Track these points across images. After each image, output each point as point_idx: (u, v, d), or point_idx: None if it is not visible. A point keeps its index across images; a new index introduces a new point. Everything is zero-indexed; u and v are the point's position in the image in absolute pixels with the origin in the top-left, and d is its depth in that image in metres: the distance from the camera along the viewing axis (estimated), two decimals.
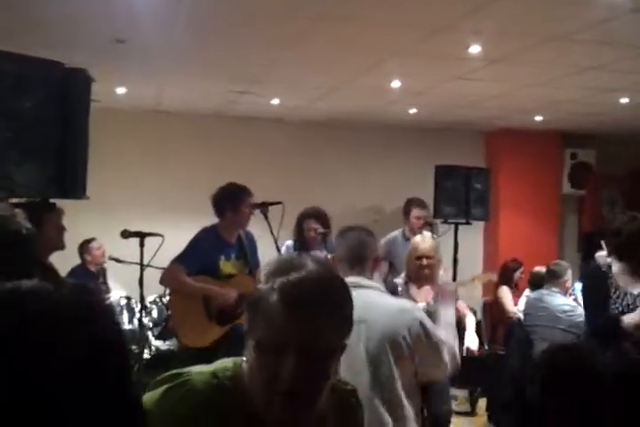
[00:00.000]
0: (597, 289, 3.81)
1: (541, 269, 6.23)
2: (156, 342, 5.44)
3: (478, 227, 7.82)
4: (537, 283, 6.11)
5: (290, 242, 5.11)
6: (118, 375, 0.93)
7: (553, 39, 4.39)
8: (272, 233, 4.48)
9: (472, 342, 4.57)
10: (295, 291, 1.30)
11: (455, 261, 6.40)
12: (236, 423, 1.36)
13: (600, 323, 3.76)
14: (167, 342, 5.46)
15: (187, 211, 6.61)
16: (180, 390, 1.38)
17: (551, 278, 5.65)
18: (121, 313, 5.54)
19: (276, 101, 6.84)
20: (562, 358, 1.22)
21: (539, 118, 7.44)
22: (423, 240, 4.16)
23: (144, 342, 5.32)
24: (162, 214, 7.05)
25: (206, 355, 1.54)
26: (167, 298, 5.47)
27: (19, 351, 0.84)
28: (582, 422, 1.14)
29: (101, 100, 5.58)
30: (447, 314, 3.66)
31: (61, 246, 3.48)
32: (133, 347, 5.14)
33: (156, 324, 5.58)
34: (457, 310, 4.51)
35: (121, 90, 6.40)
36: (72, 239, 4.03)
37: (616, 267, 3.64)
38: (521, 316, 5.89)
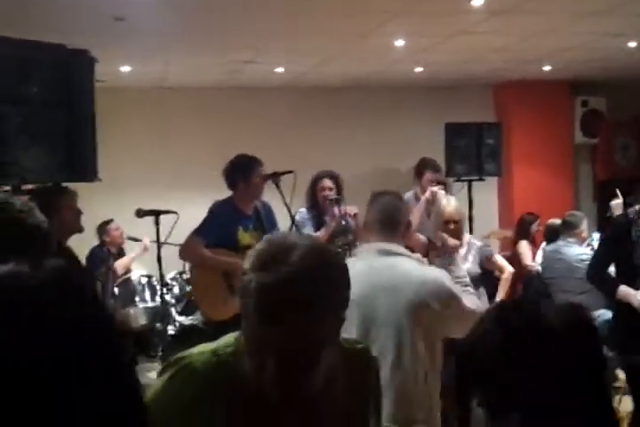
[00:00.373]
0: (610, 241, 3.83)
1: (555, 221, 6.21)
2: (179, 318, 5.50)
3: (492, 183, 7.76)
4: (552, 235, 6.10)
5: (303, 209, 5.11)
6: (102, 358, 0.91)
7: None
8: (285, 203, 4.48)
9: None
10: (271, 299, 1.23)
11: (470, 218, 6.38)
12: (236, 405, 1.35)
13: (595, 284, 3.88)
14: (190, 317, 5.51)
15: (199, 186, 6.62)
16: (182, 375, 1.38)
17: (567, 230, 5.63)
18: (143, 292, 5.60)
19: (280, 70, 6.77)
20: (512, 319, 1.26)
21: (546, 68, 7.34)
22: (448, 204, 4.16)
23: (168, 319, 5.38)
24: (175, 191, 7.06)
25: (229, 327, 1.53)
26: (187, 274, 5.51)
27: None
28: (541, 376, 1.19)
29: (107, 79, 5.59)
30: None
31: (79, 229, 3.50)
32: (157, 324, 5.20)
33: (178, 300, 5.63)
34: (493, 264, 4.58)
35: (125, 68, 6.37)
36: (89, 221, 4.05)
37: None
38: (539, 269, 5.88)
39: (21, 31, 2.99)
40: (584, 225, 5.64)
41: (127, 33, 4.89)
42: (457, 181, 6.69)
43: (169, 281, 5.66)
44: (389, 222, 2.67)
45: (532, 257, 6.36)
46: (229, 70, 6.70)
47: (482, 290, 4.31)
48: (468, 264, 4.24)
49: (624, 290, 3.74)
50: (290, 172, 4.49)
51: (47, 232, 2.01)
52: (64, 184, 3.30)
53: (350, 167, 6.92)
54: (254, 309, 1.24)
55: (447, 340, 2.60)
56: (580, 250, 5.54)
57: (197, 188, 6.74)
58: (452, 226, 4.06)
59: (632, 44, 6.16)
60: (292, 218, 4.67)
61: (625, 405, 4.65)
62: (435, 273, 2.64)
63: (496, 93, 8.51)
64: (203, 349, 1.42)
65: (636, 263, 3.62)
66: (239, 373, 1.34)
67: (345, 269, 1.35)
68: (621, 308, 3.87)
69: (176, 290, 5.65)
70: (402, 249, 2.66)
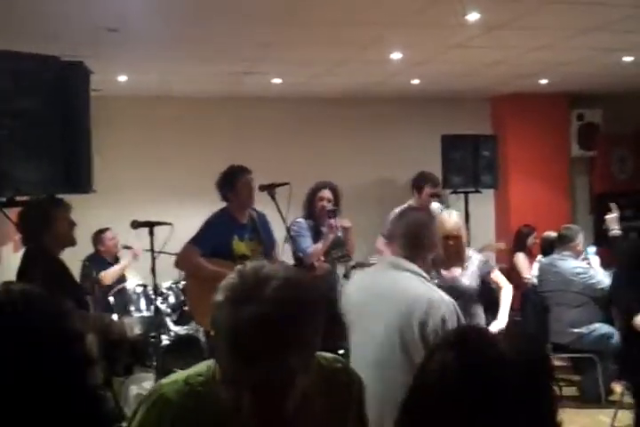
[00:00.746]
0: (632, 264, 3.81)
1: (551, 233, 6.21)
2: (174, 328, 5.49)
3: (488, 195, 7.79)
4: (547, 248, 6.10)
5: (301, 219, 5.12)
6: (58, 368, 0.91)
7: (550, 2, 4.32)
8: (280, 214, 4.49)
9: (498, 324, 4.12)
10: (245, 339, 1.20)
11: (467, 230, 6.38)
12: None
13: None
14: (185, 327, 5.50)
15: (196, 197, 6.61)
16: (157, 405, 1.40)
17: (562, 243, 5.64)
18: (138, 301, 5.58)
19: (277, 80, 6.79)
20: (473, 342, 1.25)
21: (543, 82, 7.36)
22: (448, 219, 4.10)
23: (163, 329, 5.37)
24: (171, 202, 7.06)
25: None
26: (182, 284, 5.51)
27: None
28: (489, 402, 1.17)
29: (104, 88, 5.60)
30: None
31: (72, 243, 3.50)
32: (152, 334, 5.18)
33: (174, 309, 5.62)
34: (492, 282, 4.31)
35: (122, 78, 6.38)
36: (84, 232, 4.05)
37: None
38: (535, 281, 5.89)
39: (16, 43, 3.00)
40: (580, 238, 5.65)
41: (121, 43, 4.90)
42: (453, 192, 6.70)
43: (164, 291, 5.65)
44: (413, 238, 2.73)
45: (530, 269, 6.37)
46: (227, 81, 6.72)
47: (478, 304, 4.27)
48: (465, 279, 4.14)
49: None
50: (286, 184, 4.50)
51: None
52: (59, 196, 3.31)
53: (347, 178, 6.91)
54: (228, 346, 1.22)
55: None
56: (576, 263, 5.55)
57: (194, 198, 6.74)
58: (451, 242, 4.01)
59: (628, 59, 6.19)
60: (288, 229, 4.69)
61: (622, 419, 4.65)
62: (435, 295, 2.64)
63: (493, 106, 8.54)
64: (175, 378, 1.45)
65: None
66: (211, 400, 1.35)
67: (321, 298, 1.34)
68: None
69: (171, 299, 5.64)
70: (412, 266, 2.69)
